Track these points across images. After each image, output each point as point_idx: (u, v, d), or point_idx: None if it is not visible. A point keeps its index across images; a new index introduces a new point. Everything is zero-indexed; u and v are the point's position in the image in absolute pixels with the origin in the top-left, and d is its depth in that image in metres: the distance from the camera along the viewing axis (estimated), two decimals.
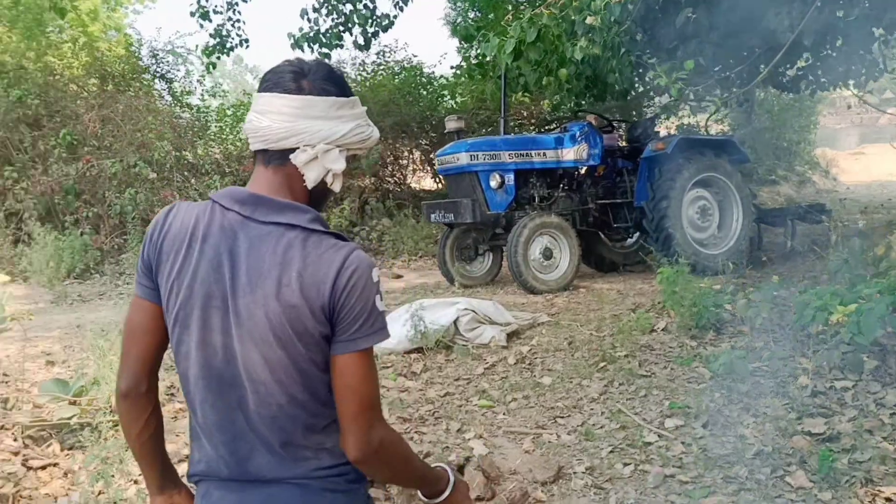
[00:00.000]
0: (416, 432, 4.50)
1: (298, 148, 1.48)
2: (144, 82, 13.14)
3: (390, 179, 13.91)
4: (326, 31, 10.62)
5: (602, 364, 5.31)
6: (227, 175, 11.78)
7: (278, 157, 1.50)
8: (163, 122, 12.01)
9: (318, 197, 1.57)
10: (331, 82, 1.51)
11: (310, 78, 1.49)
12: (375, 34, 10.65)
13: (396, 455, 1.52)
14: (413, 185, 14.38)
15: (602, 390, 4.90)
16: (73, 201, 10.93)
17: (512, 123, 12.48)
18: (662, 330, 6.00)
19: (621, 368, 5.18)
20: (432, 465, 1.66)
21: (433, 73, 14.21)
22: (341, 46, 10.78)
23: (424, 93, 13.88)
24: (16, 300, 9.04)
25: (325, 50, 10.84)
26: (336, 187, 1.57)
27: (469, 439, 4.32)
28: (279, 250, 1.42)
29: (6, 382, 5.56)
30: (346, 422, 1.44)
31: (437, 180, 14.22)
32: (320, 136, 1.48)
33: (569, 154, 8.55)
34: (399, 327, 5.96)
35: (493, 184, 8.14)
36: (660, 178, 8.43)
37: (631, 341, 5.68)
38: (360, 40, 10.59)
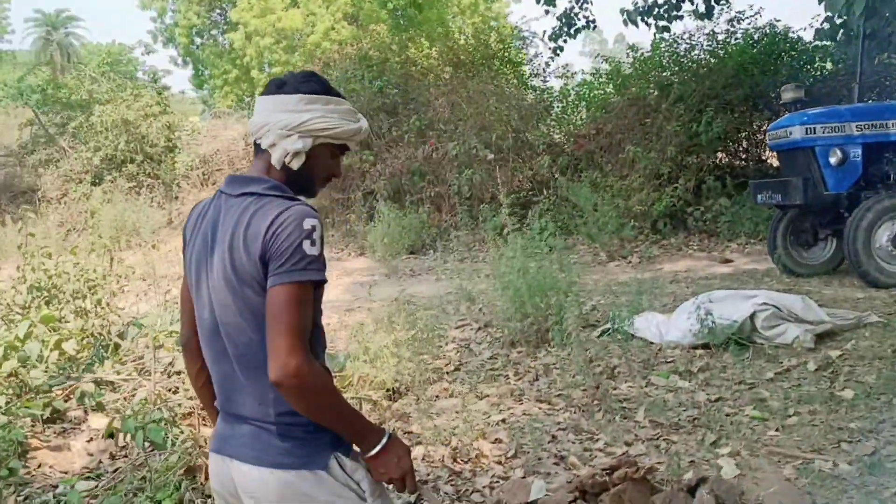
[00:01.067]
0: (664, 440, 4.01)
1: None
2: (493, 67, 13.63)
3: (741, 155, 12.77)
4: (664, 2, 10.00)
5: None
6: (561, 155, 11.76)
7: (260, 146, 1.83)
8: (509, 105, 12.37)
9: (296, 177, 1.83)
10: (305, 84, 1.82)
11: (288, 83, 1.82)
12: (718, 0, 9.75)
13: (314, 387, 1.61)
14: (769, 161, 13.03)
15: None
16: (419, 182, 11.76)
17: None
18: None
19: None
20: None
21: (798, 37, 12.66)
22: (680, 18, 10.08)
23: (787, 59, 12.44)
24: (356, 272, 10.01)
25: (663, 23, 10.24)
26: (294, 164, 1.80)
27: (722, 455, 3.73)
28: (237, 213, 1.71)
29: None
30: (269, 346, 1.60)
31: None
32: (282, 124, 1.78)
33: None
34: (684, 319, 5.40)
35: (833, 160, 6.99)
36: None
37: None
38: (702, 8, 9.78)
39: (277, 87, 1.82)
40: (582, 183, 10.41)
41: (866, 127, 7.05)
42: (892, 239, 6.72)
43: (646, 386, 4.81)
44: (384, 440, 1.73)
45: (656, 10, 9.76)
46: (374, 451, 1.72)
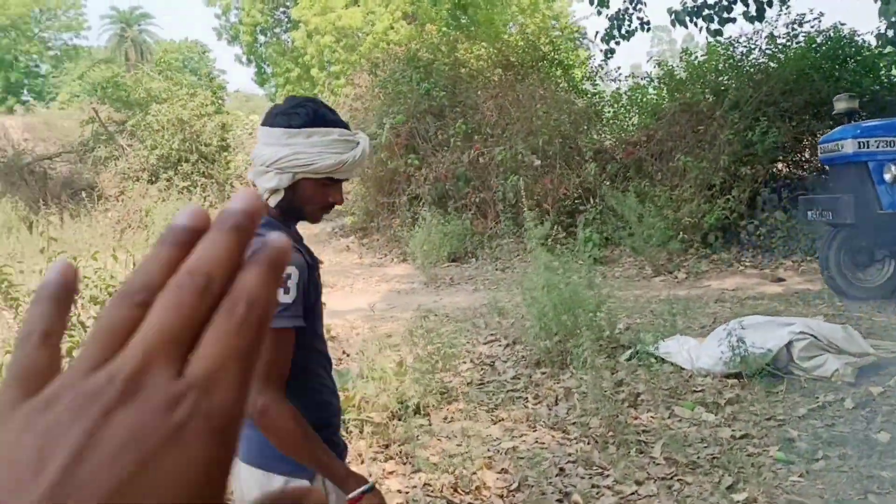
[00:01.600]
0: (678, 480, 3.77)
1: None
2: (543, 70, 13.37)
3: (805, 166, 12.25)
4: (716, 2, 9.62)
5: None
6: (610, 161, 11.46)
7: None
8: (559, 109, 12.11)
9: (288, 209, 1.87)
10: (291, 115, 1.80)
11: (279, 113, 1.82)
12: (771, 3, 9.34)
13: (278, 429, 1.68)
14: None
15: None
16: (463, 187, 11.60)
17: None
18: None
19: None
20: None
21: (863, 42, 12.07)
22: (732, 21, 9.68)
23: (852, 64, 11.88)
24: (396, 279, 9.91)
25: (714, 25, 9.86)
26: (271, 202, 1.83)
27: (737, 502, 3.49)
28: None
29: (339, 361, 6.04)
30: None
31: None
32: (261, 160, 1.81)
33: None
34: (715, 346, 5.13)
35: (888, 177, 6.60)
36: None
37: None
38: (753, 11, 9.38)
39: (270, 117, 1.84)
40: (627, 192, 10.09)
41: None
42: None
43: (668, 417, 4.57)
44: (364, 488, 1.75)
45: (706, 10, 9.36)
46: (351, 496, 1.73)
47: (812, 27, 12.17)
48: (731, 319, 6.82)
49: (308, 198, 1.84)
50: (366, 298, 8.64)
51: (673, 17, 9.39)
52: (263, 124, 1.84)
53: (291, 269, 1.72)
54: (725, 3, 9.36)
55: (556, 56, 13.31)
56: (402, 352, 6.10)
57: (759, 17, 9.50)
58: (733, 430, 4.27)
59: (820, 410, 4.44)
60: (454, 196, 11.73)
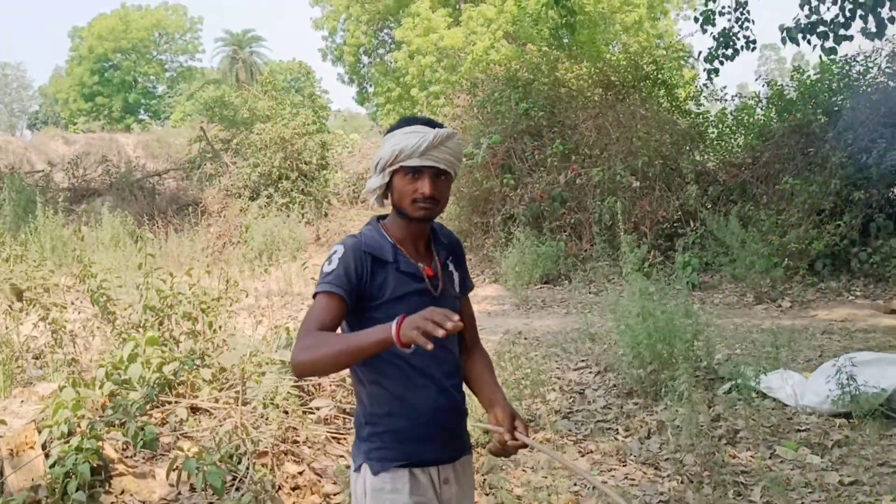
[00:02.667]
0: None
1: None
2: (645, 89, 13.07)
3: None
4: (831, 20, 9.14)
5: None
6: (713, 184, 11.06)
7: None
8: (660, 129, 11.80)
9: (395, 209, 2.09)
10: (393, 126, 2.09)
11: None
12: (893, 19, 8.78)
13: (315, 366, 1.89)
14: None
15: None
16: (559, 208, 11.42)
17: None
18: None
19: None
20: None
21: None
22: (849, 39, 9.17)
23: None
24: (487, 300, 9.81)
25: (830, 44, 9.36)
26: (371, 200, 2.14)
27: None
28: None
29: None
30: None
31: None
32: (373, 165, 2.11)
33: None
34: (823, 383, 4.80)
35: None
36: None
37: None
38: (873, 27, 8.83)
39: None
40: (729, 217, 9.68)
41: None
42: None
43: (769, 458, 4.29)
44: (394, 322, 1.72)
45: (821, 27, 8.87)
46: (393, 332, 1.71)
47: None
48: (840, 354, 6.44)
49: (398, 192, 2.03)
50: None
51: (784, 34, 8.95)
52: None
53: (338, 247, 2.01)
54: (842, 19, 8.84)
55: (660, 75, 12.98)
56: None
57: (880, 33, 8.95)
58: (841, 476, 3.97)
59: None
60: (549, 217, 11.55)
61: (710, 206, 10.76)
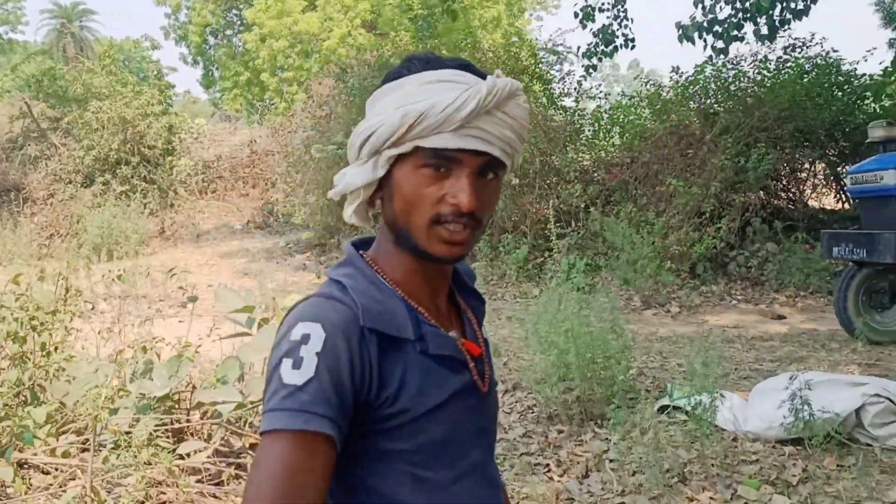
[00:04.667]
0: None
1: None
2: (522, 83, 12.60)
3: (782, 195, 11.76)
4: (725, 19, 8.98)
5: None
6: (593, 183, 10.73)
7: None
8: (535, 125, 11.34)
9: (389, 227, 1.16)
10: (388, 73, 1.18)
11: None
12: (784, 23, 8.74)
13: None
14: (811, 203, 12.01)
15: None
16: None
17: None
18: None
19: None
20: None
21: (854, 70, 11.66)
22: (741, 39, 9.06)
23: (840, 94, 11.45)
24: None
25: (720, 44, 9.24)
26: (345, 215, 1.19)
27: None
28: None
29: None
30: None
31: (841, 199, 11.68)
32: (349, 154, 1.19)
33: None
34: (770, 406, 4.35)
35: None
36: None
37: None
38: (765, 30, 8.76)
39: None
40: (618, 217, 9.35)
41: None
42: None
43: (731, 499, 3.74)
44: None
45: (717, 27, 8.70)
46: None
47: (801, 54, 11.75)
48: (752, 364, 6.14)
49: (405, 196, 1.16)
50: None
51: (680, 32, 8.71)
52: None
53: (307, 325, 1.04)
54: (736, 20, 8.69)
55: (538, 70, 12.56)
56: None
57: (771, 36, 8.90)
58: None
59: None
60: None
61: (589, 206, 10.42)
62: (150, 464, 3.36)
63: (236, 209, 15.60)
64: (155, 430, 3.59)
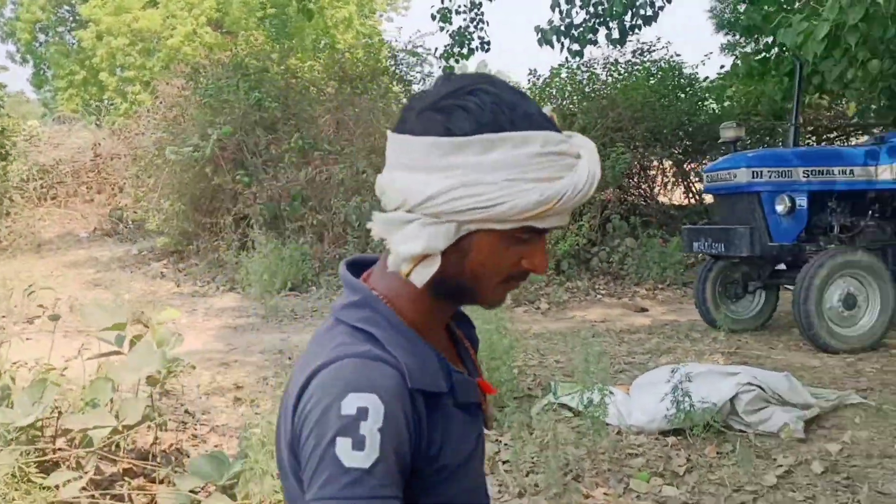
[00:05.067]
0: None
1: None
2: (383, 84, 12.54)
3: (635, 192, 12.30)
4: (580, 24, 9.28)
5: None
6: None
7: None
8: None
9: (438, 288, 1.02)
10: (445, 112, 0.96)
11: (427, 103, 0.99)
12: (634, 28, 9.14)
13: None
14: (662, 199, 12.65)
15: None
16: (299, 208, 10.47)
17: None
18: None
19: None
20: None
21: (695, 73, 12.40)
22: (595, 42, 9.39)
23: (683, 95, 12.13)
24: (227, 313, 8.61)
25: (576, 46, 9.55)
26: (415, 280, 0.98)
27: None
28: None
29: (185, 425, 4.80)
30: None
31: (690, 195, 12.36)
32: (398, 197, 0.98)
33: (885, 172, 6.55)
34: (652, 399, 4.49)
35: (780, 208, 6.37)
36: None
37: None
38: (616, 34, 9.13)
39: (411, 115, 1.00)
40: None
41: (812, 173, 6.49)
42: (844, 299, 6.14)
43: (624, 493, 3.83)
44: None
45: (573, 31, 8.99)
46: None
47: (647, 58, 12.33)
48: (625, 357, 6.35)
49: (481, 261, 1.01)
50: (196, 338, 7.33)
51: (540, 35, 8.91)
52: (399, 129, 1.01)
53: (365, 401, 0.91)
54: (590, 25, 9.00)
55: (398, 71, 12.52)
56: (262, 407, 4.99)
57: (623, 41, 9.29)
58: None
59: (790, 476, 3.88)
60: (289, 217, 10.54)
61: None
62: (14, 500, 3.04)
63: (81, 216, 14.64)
64: (20, 462, 3.26)
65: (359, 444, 0.88)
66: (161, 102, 13.00)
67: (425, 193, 0.95)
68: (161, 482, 3.67)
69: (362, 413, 0.90)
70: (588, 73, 11.86)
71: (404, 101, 12.46)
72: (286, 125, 11.33)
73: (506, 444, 4.38)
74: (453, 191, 0.94)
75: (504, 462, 4.21)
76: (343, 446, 0.88)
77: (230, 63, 11.94)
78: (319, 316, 8.34)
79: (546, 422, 4.59)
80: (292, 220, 10.44)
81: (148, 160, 11.67)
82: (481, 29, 11.96)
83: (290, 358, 6.54)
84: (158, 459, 3.93)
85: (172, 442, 4.30)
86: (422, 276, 0.98)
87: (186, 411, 5.10)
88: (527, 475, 3.98)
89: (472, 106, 0.96)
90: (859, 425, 4.47)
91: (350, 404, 0.90)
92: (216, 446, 4.46)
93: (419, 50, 12.45)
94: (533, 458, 4.13)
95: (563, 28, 9.00)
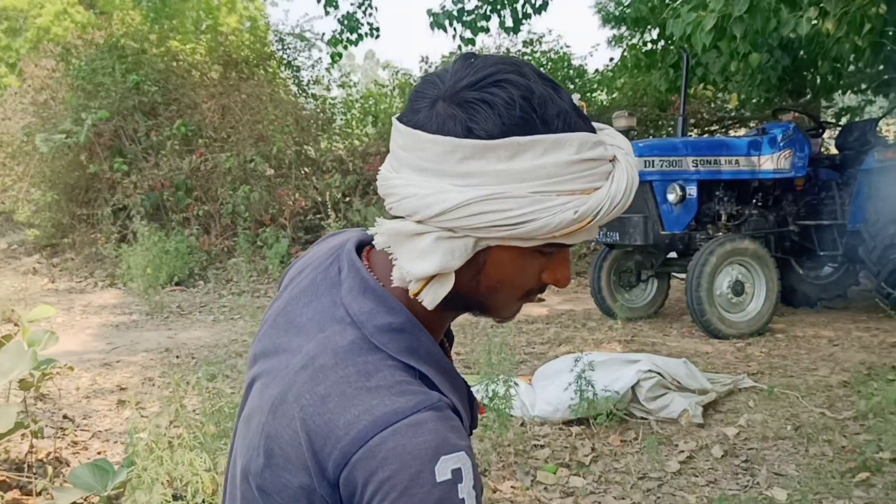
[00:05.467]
0: None
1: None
2: (269, 70, 12.12)
3: None
4: (473, 10, 9.20)
5: (863, 474, 3.63)
6: (350, 174, 10.58)
7: None
8: (285, 113, 10.93)
9: (450, 304, 0.91)
10: (466, 108, 0.83)
11: (445, 92, 0.84)
12: (527, 16, 9.16)
13: None
14: None
15: None
16: (184, 198, 10.00)
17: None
18: None
19: None
20: None
21: (584, 65, 12.61)
22: (486, 31, 9.34)
23: (573, 87, 12.30)
24: (108, 310, 8.13)
25: (468, 34, 9.47)
26: (426, 301, 0.87)
27: None
28: (312, 347, 0.90)
29: (64, 431, 4.45)
30: None
31: None
32: (408, 205, 0.85)
33: (767, 162, 6.79)
34: (556, 389, 4.46)
35: (672, 197, 6.49)
36: (886, 196, 6.61)
37: (893, 435, 3.95)
38: (510, 22, 9.12)
39: (421, 103, 0.86)
40: (381, 207, 9.29)
41: (701, 163, 6.66)
42: (733, 285, 6.33)
43: (532, 485, 3.77)
44: None
45: (466, 16, 8.90)
46: None
47: (538, 48, 12.44)
48: (525, 349, 6.33)
49: (500, 277, 0.91)
50: (74, 337, 6.88)
51: (432, 19, 8.78)
52: (409, 119, 0.87)
53: (460, 460, 0.81)
54: (483, 11, 8.94)
55: (285, 56, 12.14)
56: (148, 410, 4.70)
57: (516, 28, 9.29)
58: (616, 498, 3.59)
59: (691, 462, 3.93)
60: (173, 208, 10.04)
61: (348, 195, 10.29)
62: None
63: None
64: None
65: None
66: (29, 85, 12.13)
67: (442, 205, 0.83)
68: (38, 495, 3.37)
69: (457, 476, 0.80)
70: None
71: (293, 87, 12.20)
72: (167, 110, 10.78)
73: None
74: (474, 204, 0.82)
75: None
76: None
77: (105, 44, 11.25)
78: (208, 312, 7.97)
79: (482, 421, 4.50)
80: (176, 211, 9.97)
81: (16, 147, 10.87)
82: (370, 14, 11.72)
83: (177, 356, 6.21)
84: (35, 470, 3.62)
85: (50, 450, 3.97)
86: (434, 297, 0.88)
87: (65, 416, 4.75)
88: None
89: (499, 101, 0.82)
90: (753, 409, 4.58)
91: (444, 469, 0.80)
92: (99, 454, 4.16)
93: (307, 34, 12.10)
94: None
95: (455, 13, 8.90)
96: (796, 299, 7.64)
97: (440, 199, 0.83)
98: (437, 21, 8.79)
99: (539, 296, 0.97)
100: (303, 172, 10.63)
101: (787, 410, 4.54)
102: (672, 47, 8.96)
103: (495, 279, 0.90)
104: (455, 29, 8.91)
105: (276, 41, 12.19)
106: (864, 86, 10.13)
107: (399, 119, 0.89)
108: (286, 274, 1.12)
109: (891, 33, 6.71)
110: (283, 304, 1.02)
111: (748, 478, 3.72)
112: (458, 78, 0.85)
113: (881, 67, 8.91)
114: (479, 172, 0.83)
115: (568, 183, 0.83)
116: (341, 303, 0.92)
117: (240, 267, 8.70)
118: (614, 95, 12.57)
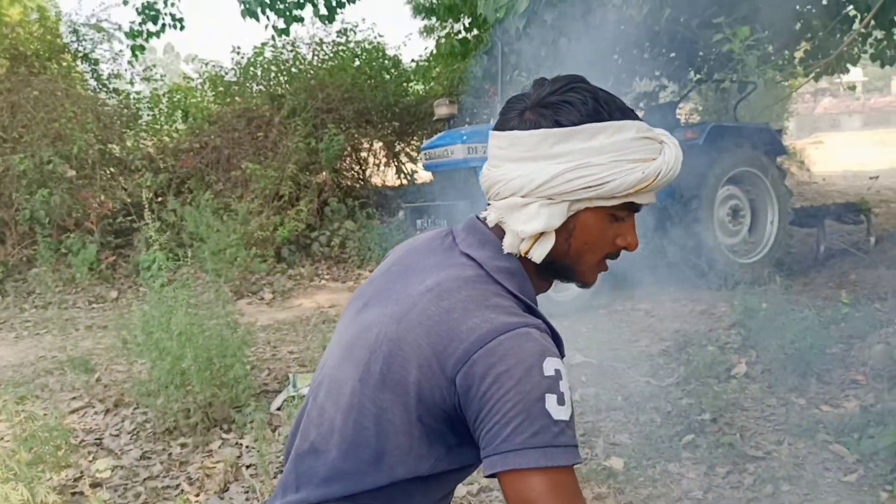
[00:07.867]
0: None
1: None
2: (64, 63, 11.20)
3: (348, 174, 12.26)
4: None
5: (688, 437, 3.85)
6: (162, 172, 10.01)
7: None
8: (84, 109, 10.14)
9: (545, 266, 1.22)
10: (552, 108, 1.16)
11: (533, 104, 1.18)
12: (341, 4, 9.02)
13: None
14: (374, 180, 12.73)
15: (705, 484, 3.43)
16: None
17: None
18: (744, 376, 4.59)
19: (718, 444, 3.72)
20: None
21: (399, 54, 12.62)
22: (301, 20, 9.11)
23: (388, 77, 12.26)
24: None
25: (282, 24, 9.21)
26: (535, 255, 1.18)
27: None
28: (438, 289, 1.14)
29: None
30: None
31: (402, 175, 12.57)
32: (514, 185, 1.17)
33: None
34: None
35: None
36: (687, 174, 7.07)
37: (711, 397, 4.22)
38: (323, 10, 8.93)
39: (514, 113, 1.20)
40: (197, 206, 8.85)
41: None
42: None
43: None
44: None
45: (279, 3, 8.62)
46: None
47: (352, 38, 12.31)
48: None
49: (586, 240, 1.20)
50: None
51: (244, 7, 8.42)
52: (502, 128, 1.20)
53: (558, 364, 1.07)
54: (299, 0, 8.69)
55: (80, 48, 11.26)
56: None
57: (330, 17, 9.11)
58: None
59: None
60: None
61: (165, 195, 9.72)
62: None
63: None
64: None
65: (561, 400, 1.03)
66: None
67: (543, 178, 1.13)
68: None
69: (558, 374, 1.05)
70: (293, 53, 11.55)
71: (92, 81, 11.33)
72: None
73: (248, 447, 4.06)
74: (567, 173, 1.12)
75: (248, 467, 3.90)
76: (551, 402, 1.02)
77: None
78: (11, 328, 7.26)
79: (289, 416, 4.36)
80: None
81: None
82: (172, 5, 11.15)
83: None
84: None
85: None
86: (540, 252, 1.17)
87: None
88: (274, 477, 3.71)
89: (576, 100, 1.14)
90: (586, 383, 4.76)
91: (550, 367, 1.04)
92: None
93: (104, 24, 11.26)
94: (279, 456, 3.87)
95: (268, 1, 8.61)
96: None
97: (541, 175, 1.13)
98: (250, 9, 8.46)
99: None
100: (108, 173, 9.93)
101: (616, 382, 4.75)
102: (484, 34, 9.13)
103: (582, 240, 1.18)
104: (268, 17, 8.62)
105: (70, 32, 11.26)
106: (657, 72, 10.79)
107: (495, 128, 1.20)
108: (386, 257, 1.37)
109: (682, 20, 7.17)
110: (396, 258, 1.28)
111: (587, 450, 3.85)
112: (539, 92, 1.17)
113: (673, 55, 9.56)
114: (567, 152, 1.13)
115: (634, 153, 1.13)
116: (462, 253, 1.18)
117: (43, 277, 8.00)
118: (430, 85, 12.68)
